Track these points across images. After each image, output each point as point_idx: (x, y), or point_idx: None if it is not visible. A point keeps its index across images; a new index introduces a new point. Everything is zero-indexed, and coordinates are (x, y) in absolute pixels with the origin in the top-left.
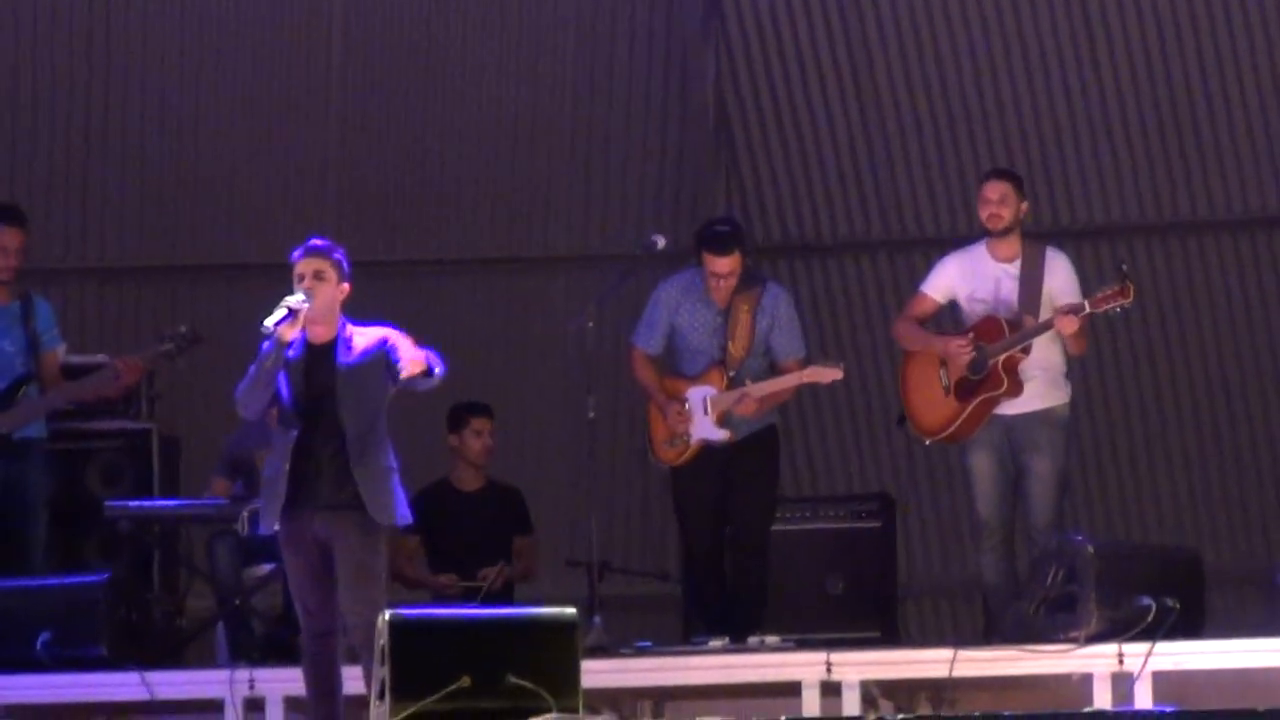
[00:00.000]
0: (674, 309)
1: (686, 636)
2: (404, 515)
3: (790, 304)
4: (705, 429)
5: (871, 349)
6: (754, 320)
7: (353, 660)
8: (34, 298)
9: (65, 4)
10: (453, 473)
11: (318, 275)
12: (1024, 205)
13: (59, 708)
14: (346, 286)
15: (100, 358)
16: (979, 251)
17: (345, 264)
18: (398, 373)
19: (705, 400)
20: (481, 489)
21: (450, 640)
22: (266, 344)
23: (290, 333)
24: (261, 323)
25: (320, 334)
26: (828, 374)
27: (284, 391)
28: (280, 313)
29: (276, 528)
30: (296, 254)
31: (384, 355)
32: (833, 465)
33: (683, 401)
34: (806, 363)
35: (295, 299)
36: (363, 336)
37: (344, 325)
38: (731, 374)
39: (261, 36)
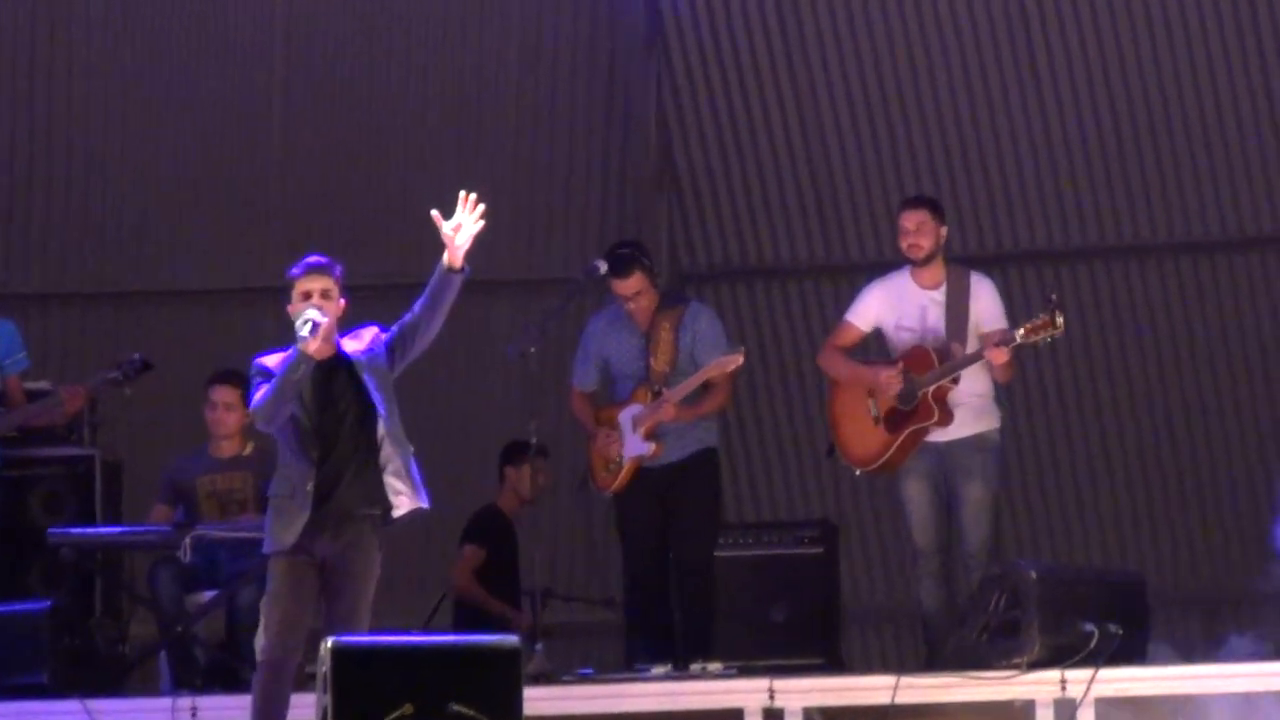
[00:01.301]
0: (601, 341)
1: (629, 664)
2: (422, 500)
3: (712, 318)
4: (634, 446)
5: (814, 374)
6: (676, 336)
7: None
8: None
9: (7, 27)
10: (501, 499)
11: (325, 294)
12: (943, 231)
13: None
14: (344, 303)
15: (44, 384)
16: (903, 279)
17: (342, 279)
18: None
19: (632, 419)
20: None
21: (393, 667)
22: (289, 356)
23: (315, 345)
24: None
25: (325, 350)
26: (729, 361)
27: (299, 413)
28: (307, 326)
29: (290, 543)
30: (297, 271)
31: (386, 341)
32: (775, 491)
33: (614, 427)
34: (733, 379)
35: (314, 314)
36: (356, 338)
37: (340, 338)
38: (656, 389)
39: (205, 53)
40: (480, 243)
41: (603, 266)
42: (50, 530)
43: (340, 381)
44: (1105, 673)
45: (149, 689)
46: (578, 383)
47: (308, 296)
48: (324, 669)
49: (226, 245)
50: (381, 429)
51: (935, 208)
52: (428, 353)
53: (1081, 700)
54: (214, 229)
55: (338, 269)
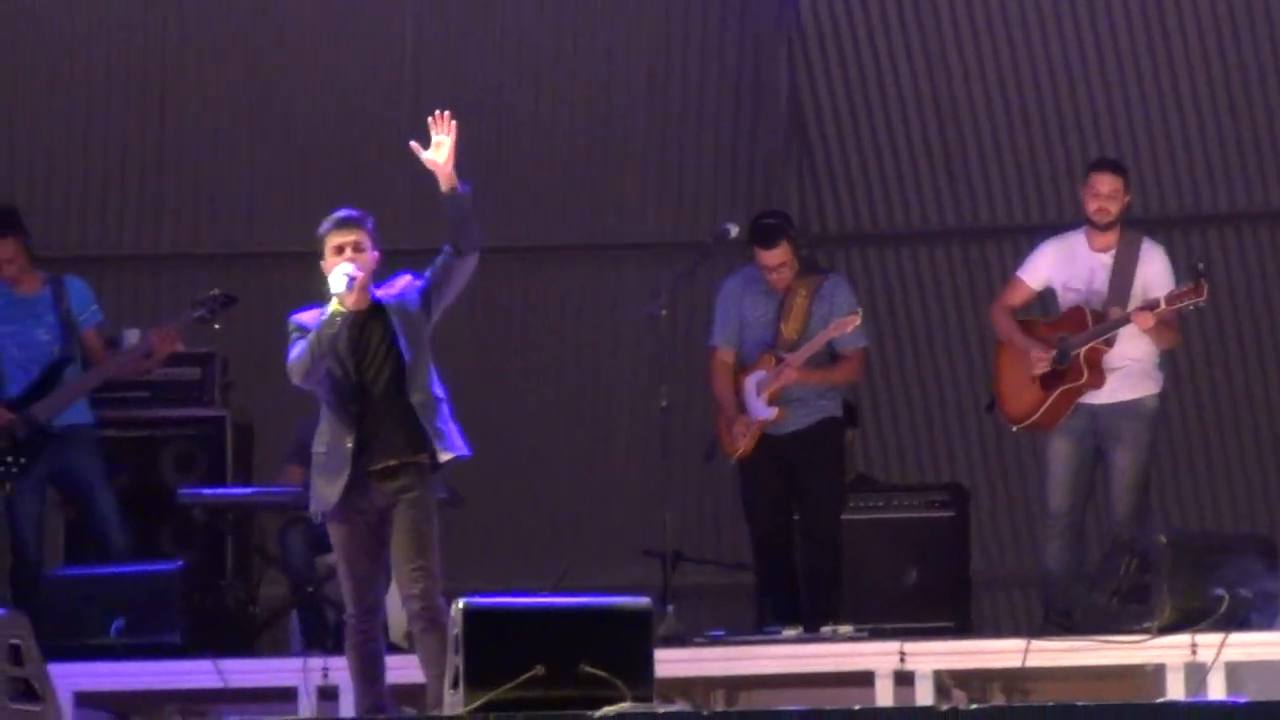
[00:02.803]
0: (738, 300)
1: (760, 626)
2: (462, 447)
3: (851, 294)
4: (758, 410)
5: (944, 338)
6: (810, 305)
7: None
8: (64, 279)
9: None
10: None
11: (357, 247)
12: (1128, 199)
13: (133, 695)
14: (377, 255)
15: (131, 332)
16: (1077, 239)
17: (374, 233)
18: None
19: (756, 384)
20: None
21: (524, 629)
22: (325, 311)
23: (351, 300)
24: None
25: (361, 302)
26: (847, 322)
27: (337, 367)
28: (342, 281)
29: (335, 501)
30: (327, 225)
31: (420, 286)
32: (907, 455)
33: (739, 392)
34: (867, 353)
35: (349, 267)
36: (389, 286)
37: (374, 289)
38: (783, 355)
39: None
40: (611, 207)
41: (732, 229)
42: (181, 490)
43: (377, 333)
44: (1236, 637)
45: (279, 649)
46: (720, 341)
47: (340, 251)
48: (455, 630)
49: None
50: (407, 375)
51: (1126, 175)
52: (558, 316)
53: (1212, 664)
54: (336, 193)
55: (369, 221)
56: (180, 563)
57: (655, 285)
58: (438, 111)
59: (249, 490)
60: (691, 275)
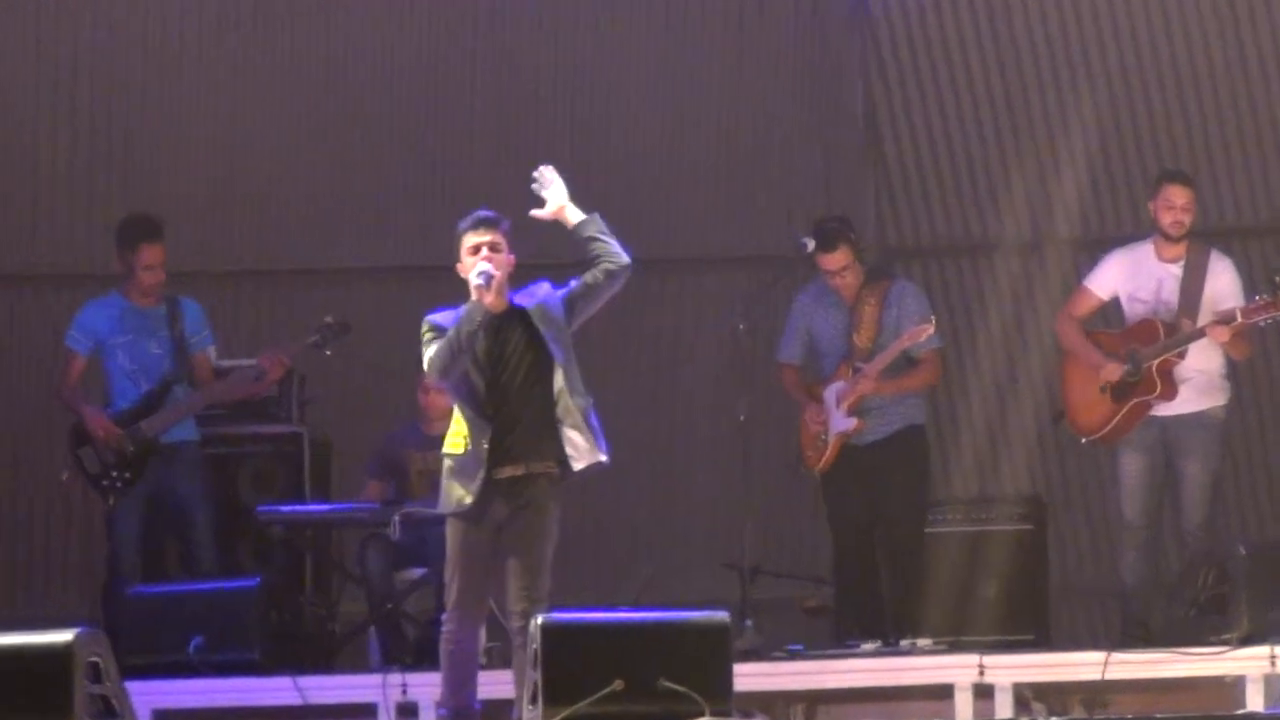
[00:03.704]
0: (809, 316)
1: (839, 640)
2: (603, 448)
3: (919, 296)
4: (838, 422)
5: (1020, 349)
6: (880, 312)
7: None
8: (181, 300)
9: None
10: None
11: (494, 247)
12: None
13: (212, 712)
14: (513, 259)
15: (249, 362)
16: (1144, 250)
17: (509, 235)
18: (578, 309)
19: (835, 395)
20: None
21: (602, 643)
22: (462, 310)
23: (490, 297)
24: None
25: (499, 304)
26: (920, 331)
27: (472, 369)
28: (481, 278)
29: (469, 502)
30: (464, 224)
31: (563, 293)
32: (984, 467)
33: (819, 403)
34: (942, 355)
35: (486, 266)
36: (529, 294)
37: (511, 295)
38: (858, 364)
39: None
40: (690, 221)
41: (810, 243)
42: (259, 508)
43: (514, 336)
44: None
45: (358, 666)
46: (784, 356)
47: (476, 251)
48: (534, 645)
49: (434, 223)
50: (559, 381)
51: (1194, 186)
52: (635, 329)
53: None
54: (417, 207)
55: (505, 223)
56: (258, 580)
57: (734, 299)
58: (539, 169)
59: (327, 507)
60: (770, 289)
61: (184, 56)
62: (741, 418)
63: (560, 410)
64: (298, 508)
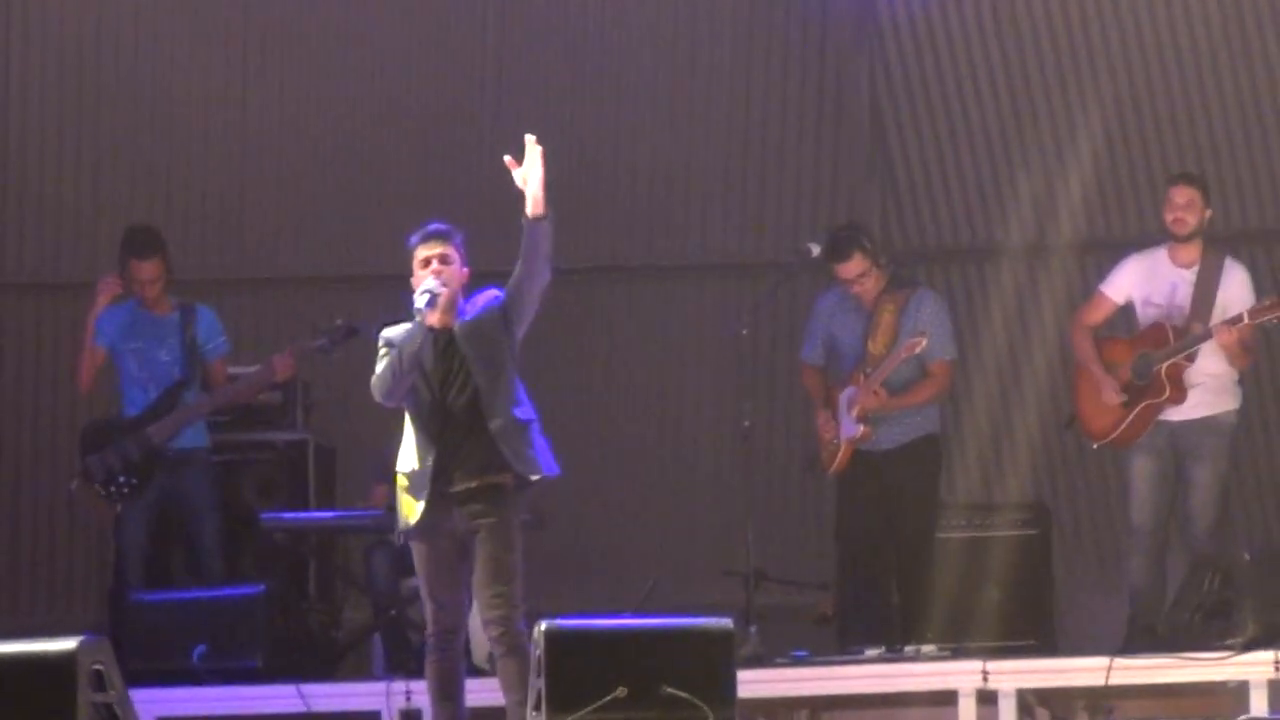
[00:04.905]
0: (829, 318)
1: (843, 646)
2: (550, 466)
3: (939, 306)
4: (847, 428)
5: (1025, 354)
6: (898, 320)
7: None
8: (196, 307)
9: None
10: None
11: (444, 259)
12: (1208, 212)
13: None
14: (466, 271)
15: (257, 369)
16: (1159, 255)
17: (463, 248)
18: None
19: (847, 400)
20: None
21: (606, 650)
22: (405, 332)
23: (434, 318)
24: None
25: (446, 321)
26: (913, 344)
27: (422, 386)
28: (424, 298)
29: (414, 521)
30: (415, 238)
31: (497, 304)
32: (989, 473)
33: (834, 407)
34: (953, 366)
35: (433, 284)
36: (473, 304)
37: (461, 306)
38: (868, 371)
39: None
40: (693, 227)
41: (814, 249)
42: (263, 514)
43: (459, 353)
44: None
45: (362, 673)
46: (805, 356)
47: (426, 264)
48: (537, 653)
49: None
50: (489, 399)
51: (1205, 187)
52: (642, 337)
53: None
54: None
55: (458, 236)
56: (263, 587)
57: (737, 305)
58: (527, 136)
59: (331, 514)
60: (774, 295)
61: (194, 64)
62: (746, 424)
63: (493, 427)
64: (302, 515)
